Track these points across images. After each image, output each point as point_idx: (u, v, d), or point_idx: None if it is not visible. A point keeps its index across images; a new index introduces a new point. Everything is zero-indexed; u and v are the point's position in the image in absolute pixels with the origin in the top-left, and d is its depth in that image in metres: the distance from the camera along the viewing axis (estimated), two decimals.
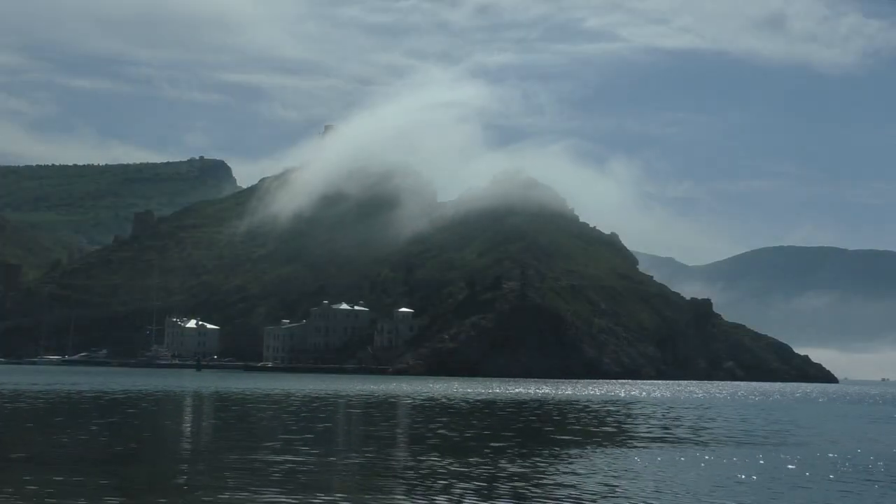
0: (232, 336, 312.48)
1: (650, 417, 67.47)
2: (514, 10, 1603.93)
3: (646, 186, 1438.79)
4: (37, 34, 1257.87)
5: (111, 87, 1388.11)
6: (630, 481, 29.31)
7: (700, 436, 49.79)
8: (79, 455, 34.19)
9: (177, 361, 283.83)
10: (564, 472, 31.13)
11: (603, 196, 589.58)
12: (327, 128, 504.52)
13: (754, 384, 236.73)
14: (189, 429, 50.37)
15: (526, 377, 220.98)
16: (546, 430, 52.44)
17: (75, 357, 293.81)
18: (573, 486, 27.86)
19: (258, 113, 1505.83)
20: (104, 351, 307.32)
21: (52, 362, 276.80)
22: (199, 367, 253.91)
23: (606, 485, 28.37)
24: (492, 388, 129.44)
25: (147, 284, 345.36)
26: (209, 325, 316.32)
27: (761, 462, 36.14)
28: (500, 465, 32.83)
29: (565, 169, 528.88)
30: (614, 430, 53.97)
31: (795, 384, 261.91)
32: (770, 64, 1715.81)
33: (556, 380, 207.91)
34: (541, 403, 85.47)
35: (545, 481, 28.91)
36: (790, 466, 35.03)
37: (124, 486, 26.43)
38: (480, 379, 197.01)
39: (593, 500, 25.67)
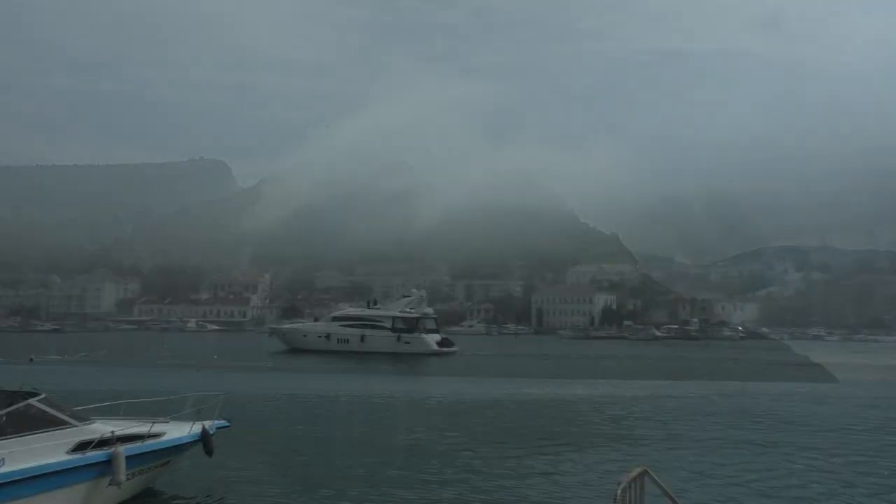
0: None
1: (627, 417, 67.20)
2: (512, 10, 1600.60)
3: (646, 186, 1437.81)
4: (37, 34, 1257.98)
5: (111, 87, 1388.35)
6: (555, 482, 29.26)
7: (674, 436, 49.55)
8: None
9: (177, 361, 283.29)
10: (507, 476, 31.09)
11: (603, 193, 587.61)
12: (327, 127, 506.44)
13: (752, 384, 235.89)
14: None
15: (526, 377, 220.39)
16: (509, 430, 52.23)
17: (75, 357, 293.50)
18: (512, 489, 27.88)
19: (258, 113, 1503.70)
20: (104, 350, 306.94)
21: (51, 362, 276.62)
22: (198, 367, 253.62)
23: (551, 479, 28.34)
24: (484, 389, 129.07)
25: None
26: (209, 325, 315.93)
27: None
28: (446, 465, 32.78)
29: (565, 166, 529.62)
30: (577, 430, 53.80)
31: (795, 384, 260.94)
32: (769, 64, 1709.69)
33: (555, 380, 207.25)
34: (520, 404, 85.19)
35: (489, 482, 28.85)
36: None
37: None
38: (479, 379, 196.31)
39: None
